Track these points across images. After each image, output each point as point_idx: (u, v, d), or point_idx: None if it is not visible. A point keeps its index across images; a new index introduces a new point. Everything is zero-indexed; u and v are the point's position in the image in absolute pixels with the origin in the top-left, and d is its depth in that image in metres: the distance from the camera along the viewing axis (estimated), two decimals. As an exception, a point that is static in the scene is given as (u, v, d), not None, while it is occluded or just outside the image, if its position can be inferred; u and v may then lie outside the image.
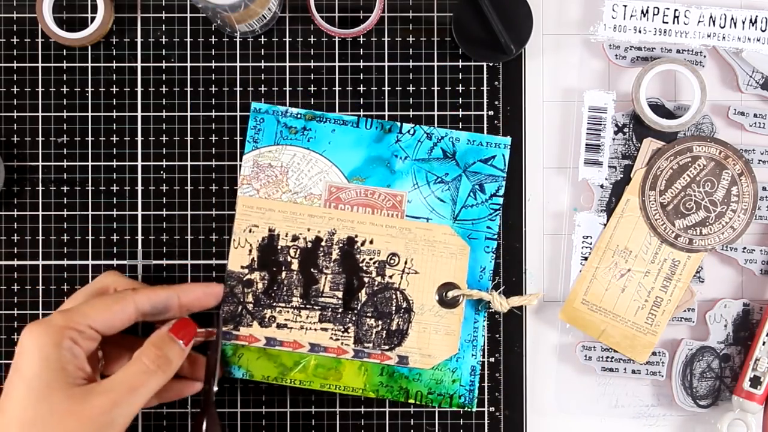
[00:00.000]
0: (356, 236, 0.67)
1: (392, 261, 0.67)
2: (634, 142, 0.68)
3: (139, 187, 0.69)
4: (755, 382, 0.66)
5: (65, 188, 0.68)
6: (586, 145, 0.68)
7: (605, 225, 0.68)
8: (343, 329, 0.67)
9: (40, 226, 0.68)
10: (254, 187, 0.67)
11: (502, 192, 0.67)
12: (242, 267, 0.67)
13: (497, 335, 0.68)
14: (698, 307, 0.68)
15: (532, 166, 0.69)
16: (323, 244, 0.67)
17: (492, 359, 0.68)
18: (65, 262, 0.68)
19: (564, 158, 0.69)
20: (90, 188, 0.68)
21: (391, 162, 0.67)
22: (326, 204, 0.67)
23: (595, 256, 0.68)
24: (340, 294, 0.67)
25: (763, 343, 0.66)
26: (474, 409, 0.68)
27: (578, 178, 0.68)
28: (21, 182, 0.68)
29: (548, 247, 0.69)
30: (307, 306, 0.67)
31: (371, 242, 0.67)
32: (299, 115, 0.67)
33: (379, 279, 0.67)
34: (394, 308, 0.67)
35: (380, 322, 0.67)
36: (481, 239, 0.67)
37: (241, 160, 0.68)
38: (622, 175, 0.68)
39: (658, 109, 0.67)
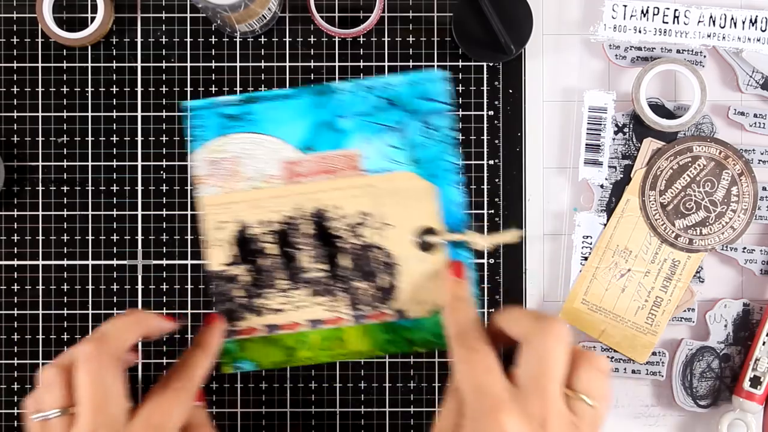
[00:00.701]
0: (323, 205, 0.67)
1: (364, 220, 0.67)
2: (634, 142, 0.68)
3: (139, 187, 0.68)
4: (755, 382, 0.66)
5: (65, 188, 0.68)
6: (586, 145, 0.68)
7: (605, 225, 0.68)
8: (335, 299, 0.67)
9: (40, 226, 0.68)
10: (211, 184, 0.66)
11: (451, 124, 0.66)
12: (223, 265, 0.67)
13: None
14: (698, 307, 0.68)
15: (532, 166, 0.69)
16: (294, 221, 0.67)
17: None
18: (65, 262, 0.68)
19: (564, 158, 0.69)
20: (90, 188, 0.68)
21: (336, 123, 0.67)
22: (286, 182, 0.67)
23: (595, 256, 0.68)
24: (323, 266, 0.67)
25: (763, 343, 0.66)
26: None
27: (578, 178, 0.68)
28: (21, 182, 0.68)
29: (548, 247, 0.69)
30: (296, 286, 0.67)
31: (339, 207, 0.67)
32: (237, 102, 0.67)
33: (356, 241, 0.67)
34: (378, 266, 0.67)
35: (368, 283, 0.67)
36: (444, 174, 0.67)
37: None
38: (622, 175, 0.68)
39: (658, 109, 0.67)
